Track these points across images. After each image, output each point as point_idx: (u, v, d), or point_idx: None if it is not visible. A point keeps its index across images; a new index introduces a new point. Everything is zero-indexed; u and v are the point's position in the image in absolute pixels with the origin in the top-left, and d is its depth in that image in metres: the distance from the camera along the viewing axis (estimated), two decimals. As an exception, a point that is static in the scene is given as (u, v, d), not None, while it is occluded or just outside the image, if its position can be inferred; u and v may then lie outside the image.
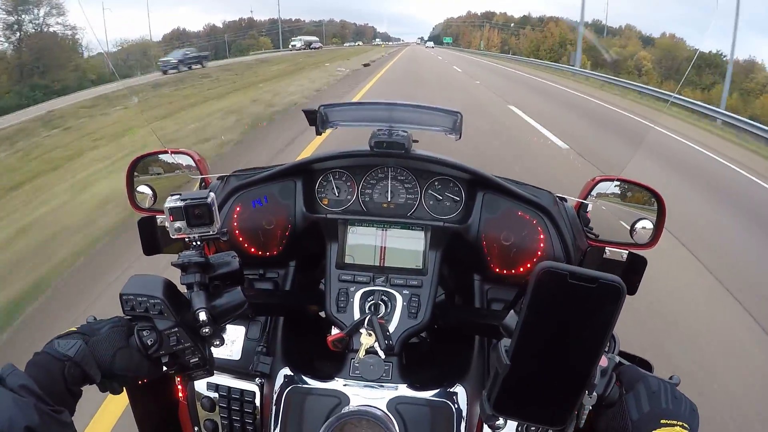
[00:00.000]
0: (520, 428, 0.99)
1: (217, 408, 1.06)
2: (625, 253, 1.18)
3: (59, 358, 0.68)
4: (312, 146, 6.68)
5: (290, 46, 57.39)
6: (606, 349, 0.77)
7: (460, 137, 1.12)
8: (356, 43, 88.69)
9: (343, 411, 0.90)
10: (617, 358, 0.74)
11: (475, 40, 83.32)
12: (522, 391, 0.63)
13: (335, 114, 1.15)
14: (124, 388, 0.79)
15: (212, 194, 0.80)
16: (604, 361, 0.71)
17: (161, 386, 1.11)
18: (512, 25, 71.68)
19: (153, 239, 1.22)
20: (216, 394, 1.06)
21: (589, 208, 1.22)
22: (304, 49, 52.95)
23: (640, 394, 0.66)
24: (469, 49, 74.42)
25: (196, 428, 1.09)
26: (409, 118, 1.16)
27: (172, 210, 0.78)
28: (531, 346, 0.60)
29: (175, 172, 1.29)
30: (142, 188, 1.25)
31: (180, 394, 1.10)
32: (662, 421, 0.63)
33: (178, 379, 1.09)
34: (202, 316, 0.75)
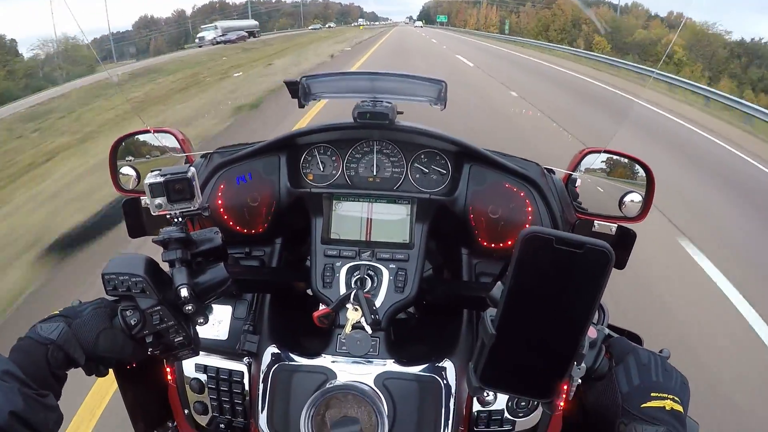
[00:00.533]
0: (510, 402, 1.00)
1: (206, 389, 1.06)
2: (614, 226, 1.17)
3: (42, 342, 0.68)
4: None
5: (196, 40, 39.67)
6: (595, 321, 0.77)
7: (444, 107, 1.11)
8: (326, 26, 74.84)
9: (327, 386, 0.90)
10: (606, 330, 0.73)
11: (471, 18, 75.67)
12: (509, 362, 0.62)
13: (318, 85, 1.13)
14: (113, 373, 0.78)
15: (192, 168, 0.78)
16: (593, 333, 0.70)
17: (150, 370, 1.10)
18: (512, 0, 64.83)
19: (138, 221, 1.20)
20: (204, 376, 1.05)
21: (578, 182, 1.21)
22: (229, 41, 34.48)
23: (630, 367, 0.66)
24: (464, 29, 65.45)
25: (186, 411, 1.09)
26: (393, 88, 1.14)
27: (152, 186, 0.77)
28: (517, 315, 0.59)
29: (159, 153, 1.26)
30: (126, 169, 1.23)
31: (169, 377, 1.10)
32: (652, 394, 0.62)
33: (166, 362, 1.08)
34: (184, 292, 0.74)
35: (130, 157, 1.25)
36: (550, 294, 0.57)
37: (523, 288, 0.58)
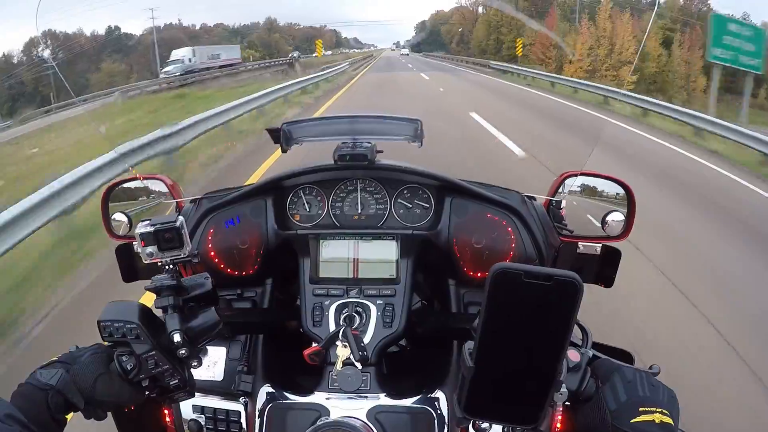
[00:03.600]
0: (505, 429, 1.00)
1: (204, 430, 1.06)
2: (599, 246, 1.19)
3: (41, 387, 0.70)
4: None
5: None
6: (579, 344, 0.79)
7: (421, 144, 1.14)
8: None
9: (318, 423, 0.90)
10: (591, 352, 0.74)
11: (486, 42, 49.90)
12: (490, 391, 0.63)
13: (299, 131, 1.17)
14: (112, 417, 0.79)
15: (181, 218, 0.81)
16: (576, 356, 0.71)
17: (148, 413, 1.10)
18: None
19: (131, 266, 1.22)
20: (202, 417, 1.06)
21: (563, 204, 1.23)
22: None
23: (616, 385, 0.67)
24: (469, 61, 41.43)
25: None
26: (371, 129, 1.18)
27: (142, 235, 0.79)
28: (494, 347, 0.61)
29: (149, 199, 1.29)
30: (118, 216, 1.25)
31: (167, 419, 1.10)
32: (641, 409, 0.63)
33: (164, 405, 1.08)
34: (177, 337, 0.76)
35: (122, 204, 1.28)
36: (525, 325, 0.59)
37: (497, 321, 0.60)
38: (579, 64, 33.13)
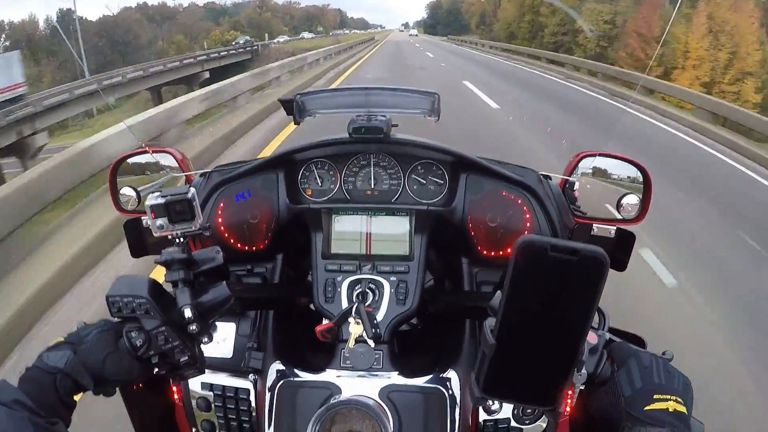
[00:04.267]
0: (515, 410, 1.00)
1: (213, 407, 1.06)
2: (613, 229, 1.18)
3: (49, 370, 0.69)
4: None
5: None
6: (595, 326, 0.78)
7: (438, 119, 1.12)
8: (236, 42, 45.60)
9: (331, 401, 0.90)
10: (607, 335, 0.74)
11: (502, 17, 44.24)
12: (510, 371, 0.62)
13: (312, 102, 1.15)
14: (120, 393, 0.79)
15: (192, 189, 0.79)
16: (593, 338, 0.70)
17: (156, 389, 1.10)
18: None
19: (140, 241, 1.21)
20: (211, 394, 1.06)
21: (576, 185, 1.21)
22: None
23: (631, 370, 0.66)
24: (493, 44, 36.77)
25: (193, 429, 1.09)
26: (387, 102, 1.16)
27: (153, 207, 0.78)
28: (516, 324, 0.59)
29: (158, 171, 1.27)
30: (126, 190, 1.23)
31: (175, 396, 1.10)
32: (655, 397, 0.62)
33: (172, 381, 1.08)
34: (188, 312, 0.75)
35: (130, 178, 1.27)
36: (548, 301, 0.58)
37: (521, 297, 0.58)
38: (695, 72, 23.11)
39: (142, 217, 1.19)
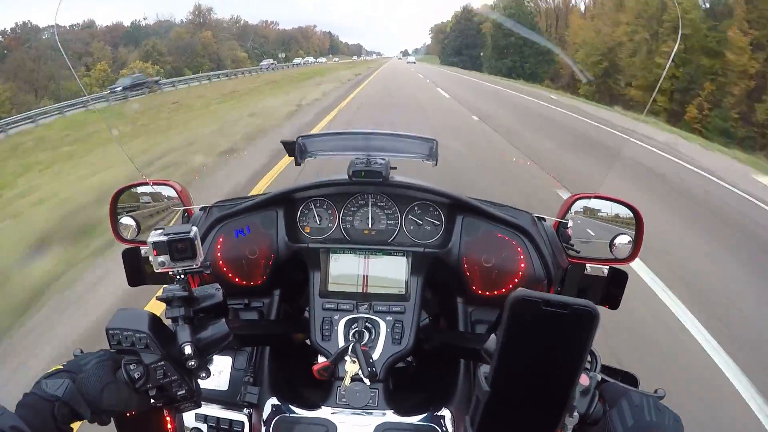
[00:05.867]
0: None
1: None
2: (606, 268, 1.19)
3: (47, 398, 0.69)
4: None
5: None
6: (588, 368, 0.79)
7: (436, 164, 1.15)
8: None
9: None
10: (599, 376, 0.75)
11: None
12: (503, 415, 0.63)
13: (313, 144, 1.17)
14: (114, 422, 0.79)
15: (195, 228, 0.80)
16: (585, 380, 0.71)
17: (150, 419, 1.09)
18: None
19: (138, 270, 1.21)
20: (205, 426, 1.05)
21: (570, 224, 1.24)
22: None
23: (623, 409, 0.67)
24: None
25: None
26: (386, 146, 1.19)
27: (155, 245, 0.79)
28: (510, 371, 0.61)
29: (157, 203, 1.29)
30: (126, 219, 1.25)
31: (169, 426, 1.09)
32: None
33: (166, 411, 1.08)
34: (188, 349, 0.76)
35: (130, 208, 1.28)
36: (540, 351, 0.59)
37: (515, 346, 0.60)
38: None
39: (141, 247, 1.20)
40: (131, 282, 1.22)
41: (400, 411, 0.97)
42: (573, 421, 0.67)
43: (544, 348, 0.59)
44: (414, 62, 68.46)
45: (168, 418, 1.09)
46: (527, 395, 0.62)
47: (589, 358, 0.80)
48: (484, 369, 0.63)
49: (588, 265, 1.20)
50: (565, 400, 0.61)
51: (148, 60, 48.09)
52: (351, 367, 0.97)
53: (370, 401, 0.98)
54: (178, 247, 0.79)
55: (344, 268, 1.15)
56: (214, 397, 1.06)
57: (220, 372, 1.09)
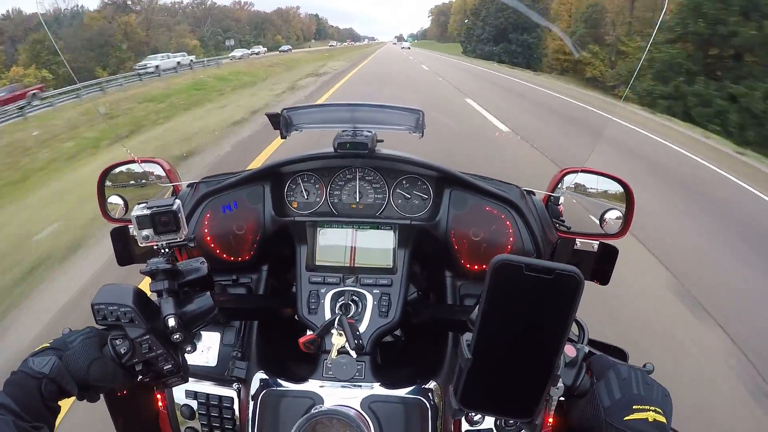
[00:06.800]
0: (498, 421, 1.00)
1: (197, 415, 1.06)
2: (596, 243, 1.19)
3: (34, 375, 0.69)
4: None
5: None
6: (575, 339, 0.79)
7: (422, 135, 1.14)
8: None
9: (313, 411, 0.90)
10: (587, 348, 0.74)
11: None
12: (487, 384, 0.63)
13: (299, 117, 1.16)
14: (104, 400, 0.79)
15: (178, 201, 0.80)
16: (572, 351, 0.71)
17: (141, 397, 1.10)
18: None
19: (126, 249, 1.21)
20: (195, 402, 1.06)
21: (561, 200, 1.23)
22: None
23: (610, 382, 0.67)
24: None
25: None
26: (372, 118, 1.18)
27: (139, 218, 0.79)
28: (492, 339, 0.60)
29: (146, 180, 1.28)
30: (113, 198, 1.24)
31: (159, 404, 1.10)
32: (635, 407, 0.63)
33: (156, 389, 1.08)
34: (171, 322, 0.75)
35: (118, 186, 1.27)
36: (524, 318, 0.59)
37: (497, 313, 0.59)
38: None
39: (129, 226, 1.20)
40: (120, 261, 1.22)
41: (387, 384, 0.98)
42: (558, 392, 0.67)
43: (527, 314, 0.59)
44: (409, 47, 61.60)
45: (158, 396, 1.09)
46: (510, 363, 0.62)
47: (576, 331, 0.80)
48: (467, 337, 0.63)
49: (578, 240, 1.20)
50: (550, 369, 0.61)
51: (33, 63, 33.62)
52: (337, 339, 0.97)
53: (357, 374, 0.98)
54: (162, 220, 0.79)
55: (331, 242, 1.15)
56: (204, 373, 1.07)
57: (208, 348, 1.09)
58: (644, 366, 0.72)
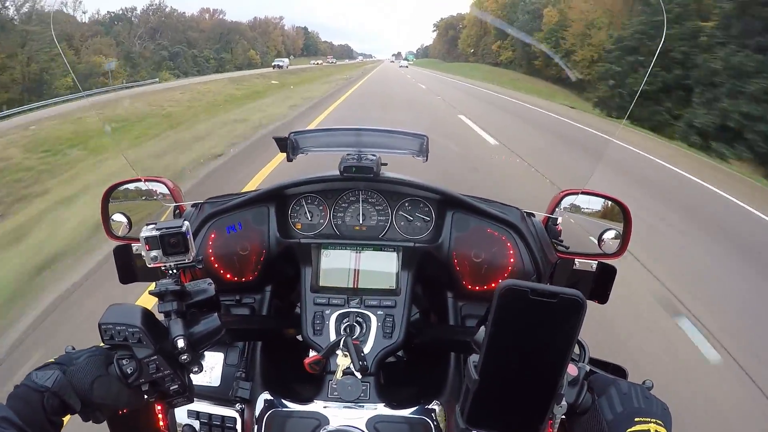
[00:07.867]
0: None
1: None
2: (594, 263, 1.21)
3: (37, 389, 0.69)
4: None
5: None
6: (576, 359, 0.80)
7: (426, 159, 1.16)
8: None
9: None
10: (587, 367, 0.76)
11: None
12: (493, 404, 0.64)
13: (305, 140, 1.18)
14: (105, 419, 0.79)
15: (187, 223, 0.81)
16: (573, 371, 0.73)
17: (142, 416, 1.09)
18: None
19: (129, 267, 1.21)
20: (197, 422, 1.05)
21: (560, 221, 1.25)
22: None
23: (612, 397, 0.68)
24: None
25: None
26: (377, 143, 1.20)
27: (147, 239, 0.79)
28: (499, 361, 0.62)
29: (149, 199, 1.29)
30: (117, 216, 1.25)
31: (160, 423, 1.09)
32: (636, 420, 0.64)
33: (159, 408, 1.08)
34: (180, 343, 0.76)
35: (122, 204, 1.28)
36: (529, 340, 0.61)
37: (503, 335, 0.61)
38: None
39: (132, 244, 1.20)
40: (123, 279, 1.22)
41: (392, 404, 0.98)
42: (561, 410, 0.68)
43: (532, 336, 0.61)
44: (407, 66, 57.78)
45: (160, 416, 1.09)
46: (516, 383, 0.63)
47: (577, 350, 0.82)
48: (474, 358, 0.64)
49: (576, 260, 1.22)
50: (554, 389, 0.63)
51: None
52: (342, 360, 0.98)
53: (362, 395, 0.99)
54: (171, 242, 0.80)
55: (335, 264, 1.16)
56: (207, 393, 1.07)
57: (212, 368, 1.09)
58: (643, 383, 0.73)
